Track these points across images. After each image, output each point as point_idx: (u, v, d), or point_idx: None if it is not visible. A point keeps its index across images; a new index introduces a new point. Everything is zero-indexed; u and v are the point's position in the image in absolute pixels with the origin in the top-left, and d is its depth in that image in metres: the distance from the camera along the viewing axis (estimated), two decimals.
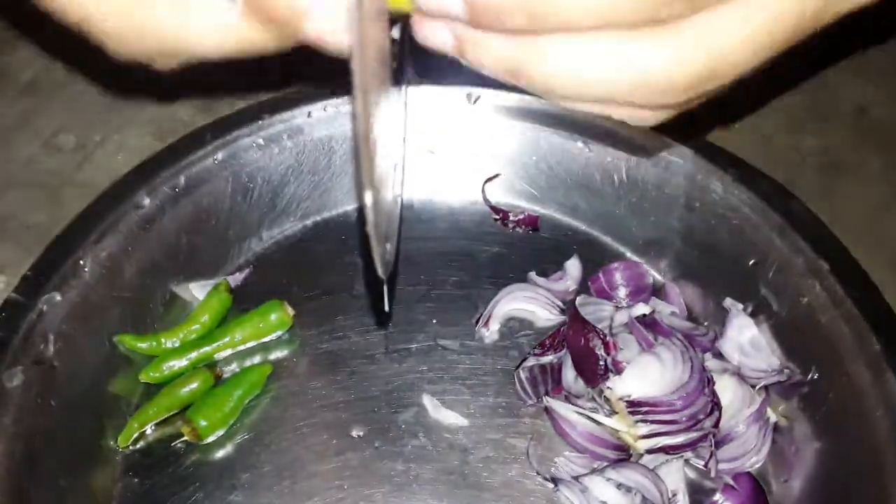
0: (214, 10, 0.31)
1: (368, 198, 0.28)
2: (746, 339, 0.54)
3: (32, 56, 0.68)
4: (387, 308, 0.54)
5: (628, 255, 0.60)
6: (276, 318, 0.55)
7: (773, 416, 0.52)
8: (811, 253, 0.52)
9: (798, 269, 0.52)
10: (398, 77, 0.34)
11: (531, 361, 0.54)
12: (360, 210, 0.28)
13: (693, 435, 0.49)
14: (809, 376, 0.51)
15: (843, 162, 0.65)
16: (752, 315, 0.54)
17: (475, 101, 0.60)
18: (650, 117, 0.33)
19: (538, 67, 0.30)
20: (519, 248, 0.61)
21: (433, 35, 0.31)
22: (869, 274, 0.51)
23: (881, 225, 0.61)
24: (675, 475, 0.50)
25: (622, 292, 0.58)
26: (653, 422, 0.50)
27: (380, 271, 0.33)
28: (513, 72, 0.31)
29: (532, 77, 0.31)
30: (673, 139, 0.56)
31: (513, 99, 0.59)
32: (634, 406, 0.50)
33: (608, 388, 0.51)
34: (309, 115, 0.58)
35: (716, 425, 0.50)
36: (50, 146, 0.63)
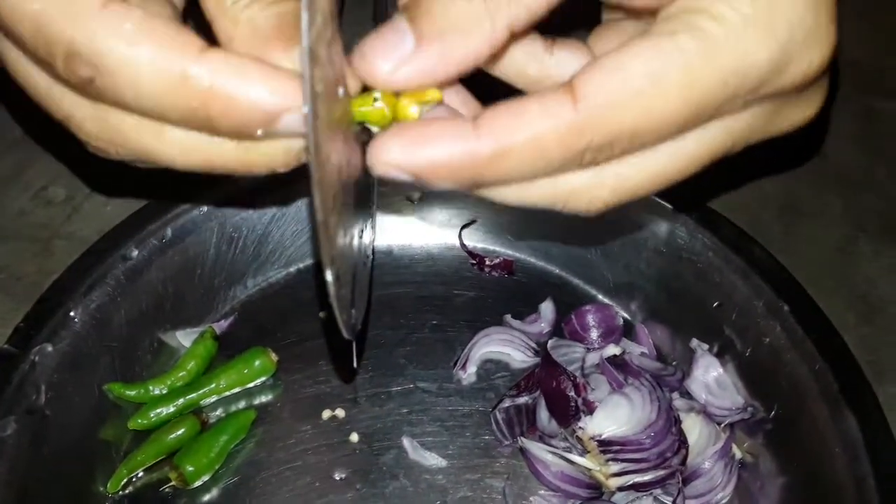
0: (180, 134, 0.33)
1: (329, 275, 0.30)
2: (712, 379, 0.56)
3: (22, 110, 0.70)
4: (355, 365, 0.56)
5: (600, 297, 0.63)
6: (260, 364, 0.57)
7: (738, 453, 0.55)
8: (772, 295, 0.54)
9: (760, 310, 0.54)
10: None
11: (507, 403, 0.56)
12: (322, 283, 0.30)
13: (661, 472, 0.51)
14: (772, 414, 0.54)
15: (803, 205, 0.68)
16: (718, 355, 0.57)
17: None
18: (584, 214, 0.37)
19: (488, 193, 0.35)
20: (495, 291, 0.63)
21: (390, 176, 0.33)
22: (827, 315, 0.53)
23: (840, 267, 0.63)
24: None
25: (594, 333, 0.60)
26: (623, 460, 0.52)
27: (345, 334, 0.35)
28: (467, 190, 0.35)
29: (484, 196, 0.35)
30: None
31: None
32: (605, 445, 0.52)
33: (580, 427, 0.53)
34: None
35: (683, 462, 0.52)
36: (40, 199, 0.65)
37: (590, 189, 0.35)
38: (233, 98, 0.31)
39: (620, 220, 0.60)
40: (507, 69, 0.39)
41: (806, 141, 0.72)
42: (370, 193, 0.43)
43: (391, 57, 0.32)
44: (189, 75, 0.31)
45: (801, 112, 0.38)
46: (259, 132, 0.32)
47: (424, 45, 0.32)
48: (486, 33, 0.32)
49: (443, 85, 0.34)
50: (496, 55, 0.35)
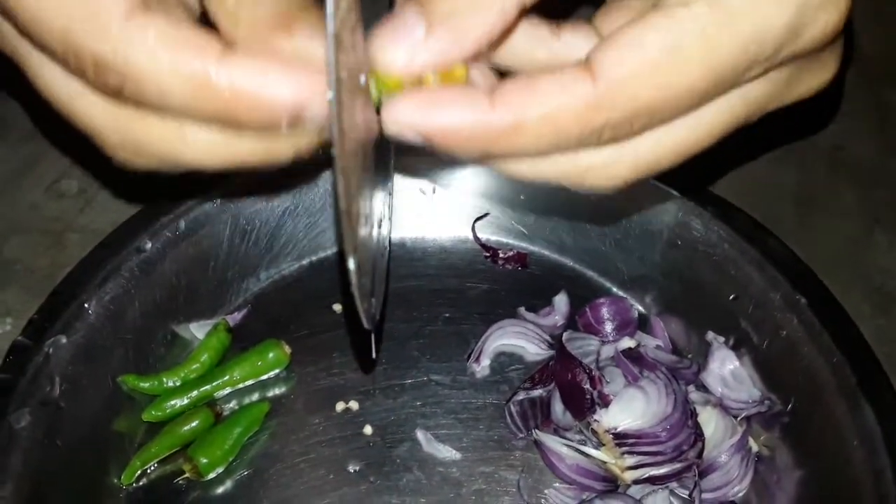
0: (205, 134, 0.33)
1: (351, 263, 0.30)
2: (728, 372, 0.56)
3: (34, 104, 0.70)
4: (374, 355, 0.56)
5: (614, 290, 0.63)
6: (273, 357, 0.57)
7: (754, 446, 0.54)
8: (788, 287, 0.54)
9: (776, 303, 0.54)
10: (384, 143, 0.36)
11: (521, 395, 0.56)
12: (344, 271, 0.30)
13: (677, 465, 0.51)
14: (789, 407, 0.53)
15: (819, 197, 0.67)
16: (734, 348, 0.56)
17: None
18: (601, 192, 0.36)
19: (501, 166, 0.34)
20: (508, 284, 0.63)
21: (401, 135, 0.33)
22: (844, 307, 0.53)
23: (856, 258, 0.63)
24: None
25: (608, 326, 0.60)
26: (639, 453, 0.52)
27: (365, 324, 0.35)
28: (481, 162, 0.34)
29: (499, 169, 0.35)
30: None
31: None
32: (621, 438, 0.52)
33: (595, 420, 0.52)
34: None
35: (699, 456, 0.52)
36: (53, 192, 0.65)
37: (608, 166, 0.34)
38: (257, 97, 0.31)
39: (632, 205, 0.60)
40: (516, 56, 0.38)
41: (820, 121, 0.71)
42: (388, 184, 0.43)
43: (405, 45, 0.32)
44: (213, 78, 0.31)
45: (817, 77, 0.37)
46: (285, 127, 0.32)
47: (436, 30, 0.32)
48: (496, 9, 0.32)
49: (463, 61, 0.33)
50: (508, 31, 0.35)
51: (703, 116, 0.34)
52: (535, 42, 0.38)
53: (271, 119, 0.32)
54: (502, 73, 0.37)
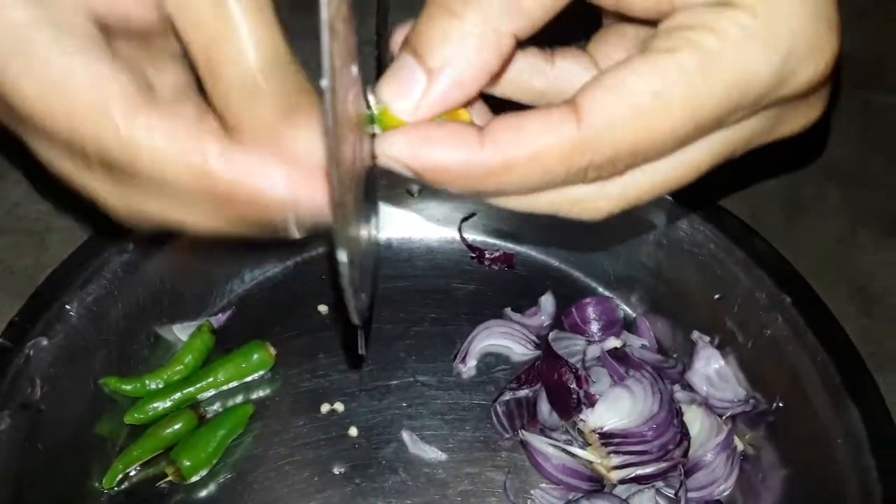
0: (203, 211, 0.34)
1: (343, 255, 0.30)
2: (713, 371, 0.56)
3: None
4: (362, 352, 0.55)
5: (600, 290, 0.63)
6: (258, 358, 0.56)
7: (740, 445, 0.54)
8: (773, 287, 0.54)
9: (761, 302, 0.54)
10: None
11: (507, 396, 0.56)
12: (334, 265, 0.30)
13: (663, 465, 0.51)
14: (774, 406, 0.53)
15: (804, 198, 0.67)
16: (719, 347, 0.57)
17: None
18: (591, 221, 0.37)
19: (493, 200, 0.35)
20: (495, 284, 0.63)
21: (392, 168, 0.34)
22: (829, 306, 0.53)
23: (841, 258, 0.63)
24: None
25: (594, 326, 0.60)
26: (624, 452, 0.52)
27: (354, 319, 0.35)
28: (471, 196, 0.35)
29: (490, 202, 0.35)
30: None
31: None
32: (607, 437, 0.52)
33: (581, 420, 0.52)
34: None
35: (685, 455, 0.52)
36: (34, 192, 0.65)
37: (594, 199, 0.35)
38: (254, 192, 0.32)
39: (621, 223, 0.60)
40: (514, 87, 0.39)
41: (809, 140, 0.72)
42: (375, 185, 0.43)
43: (409, 97, 0.33)
44: (213, 171, 0.32)
45: (803, 117, 0.38)
46: (279, 220, 0.33)
47: (436, 78, 0.33)
48: (490, 48, 0.33)
49: (467, 103, 0.34)
50: (506, 64, 0.36)
51: (687, 155, 0.35)
52: (532, 72, 0.39)
53: (268, 215, 0.33)
54: (502, 102, 0.38)
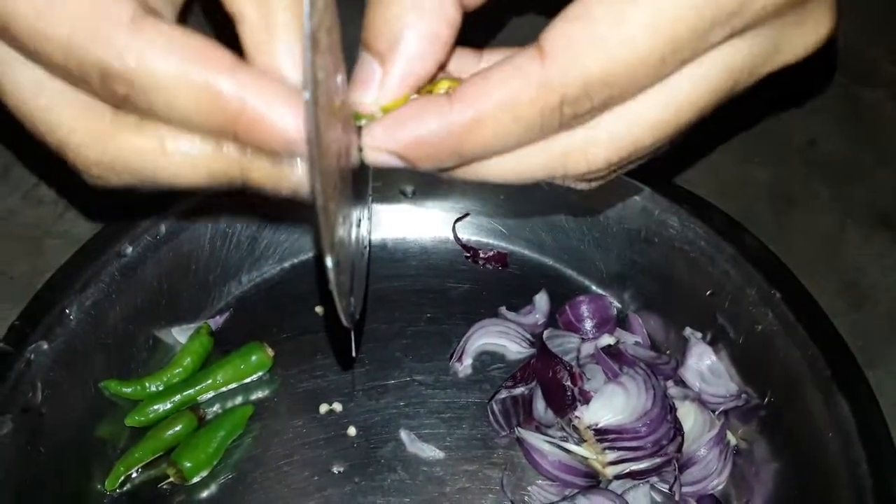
0: (187, 146, 0.33)
1: (328, 261, 0.30)
2: (706, 367, 0.57)
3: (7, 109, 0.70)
4: (354, 354, 0.56)
5: (593, 288, 0.63)
6: (256, 360, 0.57)
7: (732, 440, 0.55)
8: (764, 283, 0.55)
9: (752, 298, 0.55)
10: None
11: (503, 394, 0.57)
12: (322, 270, 0.30)
13: (658, 460, 0.52)
14: (766, 400, 0.54)
15: (794, 194, 0.68)
16: (711, 343, 0.57)
17: None
18: (585, 186, 0.37)
19: (477, 173, 0.35)
20: (489, 284, 0.63)
21: (380, 161, 0.34)
22: (818, 301, 0.54)
23: (829, 255, 0.64)
24: (642, 499, 0.52)
25: (588, 324, 0.61)
26: (619, 448, 0.52)
27: (344, 322, 0.35)
28: (460, 177, 0.35)
29: (474, 177, 0.35)
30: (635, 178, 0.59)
31: None
32: (602, 434, 0.52)
33: (576, 417, 0.53)
34: None
35: (679, 450, 0.53)
36: (30, 198, 0.65)
37: (584, 148, 0.34)
38: (259, 119, 0.31)
39: (609, 199, 0.60)
40: None
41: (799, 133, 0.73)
42: (367, 184, 0.43)
43: (369, 87, 0.33)
44: (220, 91, 0.31)
45: (808, 34, 0.36)
46: (281, 151, 0.32)
47: (388, 63, 0.33)
48: (436, 18, 0.33)
49: (433, 73, 0.34)
50: (454, 37, 0.35)
51: (676, 87, 0.33)
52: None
53: (268, 143, 0.32)
54: None
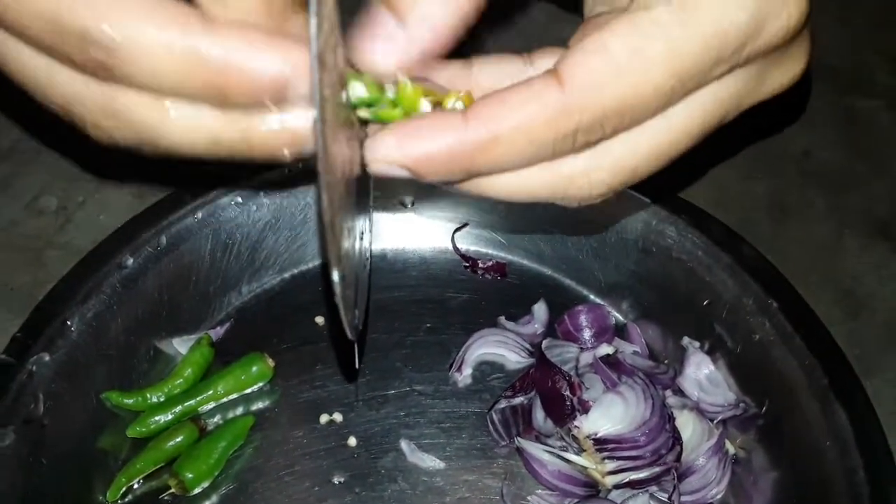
0: (189, 109, 0.33)
1: (335, 275, 0.31)
2: (704, 376, 0.57)
3: (10, 124, 0.70)
4: (357, 365, 0.56)
5: (592, 297, 0.64)
6: (257, 370, 0.57)
7: (731, 449, 0.55)
8: (761, 292, 0.55)
9: (749, 308, 0.55)
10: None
11: (503, 404, 0.57)
12: (329, 283, 0.31)
13: (657, 469, 0.52)
14: (764, 409, 0.55)
15: (790, 204, 0.69)
16: (709, 352, 0.58)
17: None
18: (577, 206, 0.37)
19: (480, 188, 0.35)
20: (488, 294, 0.64)
21: (386, 172, 0.34)
22: (815, 310, 0.54)
23: (827, 263, 0.65)
24: None
25: (587, 334, 0.61)
26: (619, 458, 0.53)
27: (349, 335, 0.36)
28: (462, 190, 0.36)
29: (477, 192, 0.36)
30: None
31: None
32: (601, 443, 0.53)
33: (576, 426, 0.53)
34: (287, 171, 0.61)
35: (678, 459, 0.53)
36: (31, 209, 0.65)
37: (588, 173, 0.35)
38: (244, 69, 0.31)
39: (608, 215, 0.61)
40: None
41: (794, 143, 0.73)
42: (368, 195, 0.44)
43: (383, 47, 0.33)
44: (201, 50, 0.31)
45: (787, 71, 0.38)
46: (271, 103, 0.32)
47: (408, 22, 0.33)
48: None
49: (441, 51, 0.34)
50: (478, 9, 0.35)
51: (676, 118, 0.35)
52: (515, 78, 0.38)
53: (258, 92, 0.32)
54: None
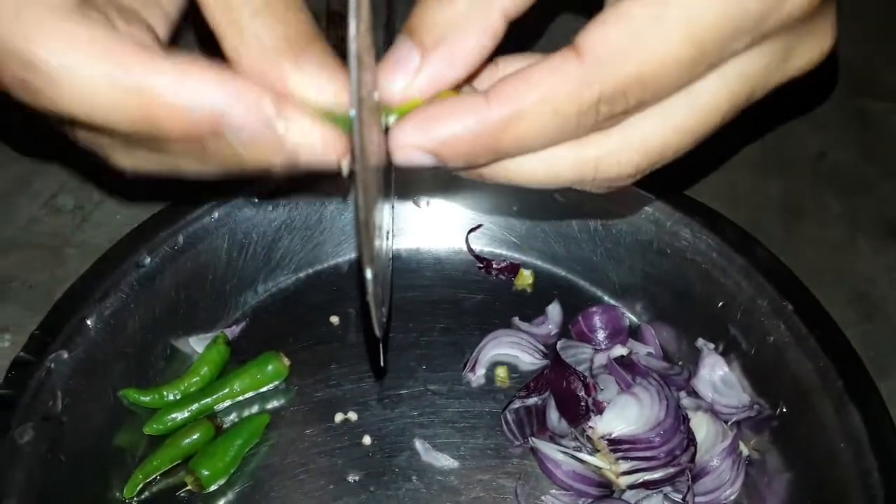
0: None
1: (369, 273, 0.31)
2: (718, 377, 0.57)
3: (29, 119, 0.71)
4: (382, 363, 0.57)
5: (606, 298, 0.64)
6: (272, 369, 0.58)
7: (745, 450, 0.55)
8: (775, 294, 0.55)
9: (763, 309, 0.55)
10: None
11: (517, 404, 0.57)
12: (360, 281, 0.31)
13: (671, 470, 0.52)
14: (778, 411, 0.55)
15: (803, 205, 0.69)
16: (723, 354, 0.58)
17: None
18: (605, 191, 0.37)
19: (507, 173, 0.35)
20: (502, 294, 0.64)
21: (411, 159, 0.34)
22: (830, 312, 0.54)
23: (840, 265, 0.65)
24: None
25: (601, 335, 0.61)
26: (633, 458, 0.53)
27: (377, 332, 0.36)
28: (488, 177, 0.35)
29: (503, 177, 0.35)
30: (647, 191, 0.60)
31: None
32: (615, 444, 0.53)
33: (590, 427, 0.54)
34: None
35: (692, 460, 0.53)
36: (49, 207, 0.66)
37: (617, 152, 0.35)
38: (173, 103, 0.31)
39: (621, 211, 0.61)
40: None
41: (808, 144, 0.73)
42: (391, 195, 0.44)
43: (403, 74, 0.34)
44: (136, 85, 0.31)
45: (814, 48, 0.38)
46: (207, 137, 0.32)
47: (429, 55, 0.33)
48: (480, 26, 0.33)
49: (458, 86, 0.35)
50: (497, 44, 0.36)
51: (701, 93, 0.35)
52: None
53: (195, 128, 0.31)
54: None
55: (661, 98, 0.34)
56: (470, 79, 0.35)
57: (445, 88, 0.34)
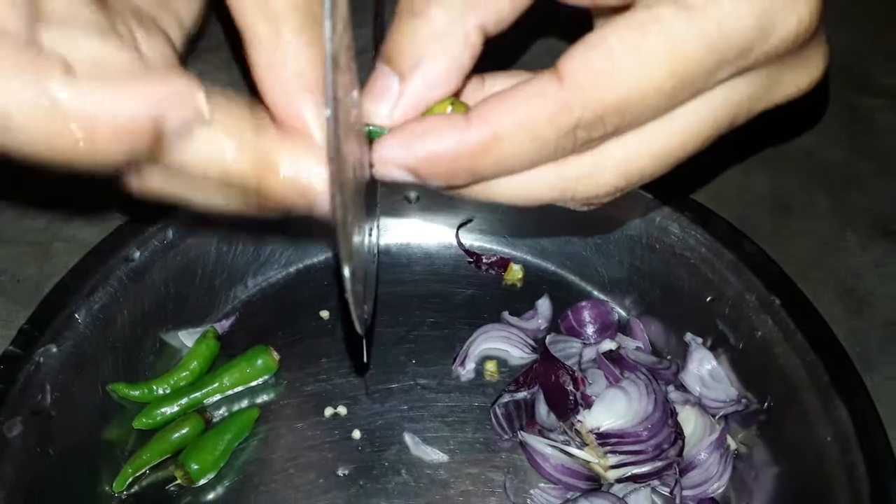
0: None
1: (346, 271, 0.31)
2: (706, 372, 0.57)
3: None
4: (365, 360, 0.57)
5: (595, 293, 0.64)
6: (262, 363, 0.58)
7: (732, 444, 0.56)
8: (763, 289, 0.55)
9: (751, 304, 0.56)
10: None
11: (506, 398, 0.57)
12: (339, 278, 0.31)
13: (659, 464, 0.53)
14: (765, 405, 0.55)
15: (792, 201, 0.69)
16: (711, 348, 0.58)
17: None
18: (585, 209, 0.38)
19: (486, 193, 0.35)
20: (492, 289, 0.64)
21: (392, 176, 0.34)
22: (817, 307, 0.55)
23: (828, 261, 0.65)
24: (643, 502, 0.53)
25: (590, 329, 0.61)
26: (621, 452, 0.53)
27: (358, 329, 0.36)
28: (467, 196, 0.36)
29: (483, 197, 0.35)
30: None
31: None
32: (603, 438, 0.53)
33: (578, 421, 0.54)
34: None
35: (680, 454, 0.53)
36: (39, 202, 0.65)
37: (595, 174, 0.35)
38: (112, 114, 0.29)
39: (613, 215, 0.61)
40: None
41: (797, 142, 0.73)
42: (376, 193, 0.44)
43: (385, 102, 0.34)
44: (58, 101, 0.29)
45: (802, 76, 0.38)
46: (147, 148, 0.31)
47: (407, 80, 0.33)
48: (458, 43, 0.33)
49: (446, 98, 0.35)
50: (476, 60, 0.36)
51: (682, 119, 0.35)
52: None
53: (131, 135, 0.30)
54: None
55: (641, 124, 0.34)
56: (457, 94, 0.35)
57: (428, 108, 0.35)
